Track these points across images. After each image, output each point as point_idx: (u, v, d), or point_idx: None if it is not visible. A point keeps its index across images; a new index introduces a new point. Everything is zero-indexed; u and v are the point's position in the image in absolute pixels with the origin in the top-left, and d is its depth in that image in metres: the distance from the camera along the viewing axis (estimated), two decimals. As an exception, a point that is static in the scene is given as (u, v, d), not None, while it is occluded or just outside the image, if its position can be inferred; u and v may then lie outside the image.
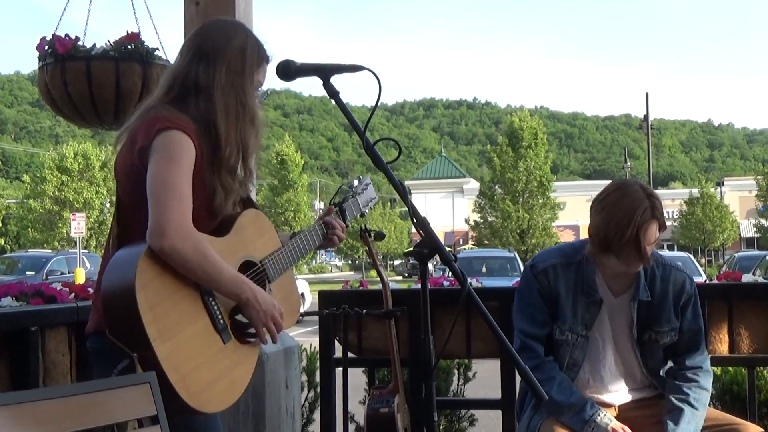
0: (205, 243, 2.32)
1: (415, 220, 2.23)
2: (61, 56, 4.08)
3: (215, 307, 2.39)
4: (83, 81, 4.06)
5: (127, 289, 2.20)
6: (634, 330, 3.14)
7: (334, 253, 72.10)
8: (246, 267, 2.54)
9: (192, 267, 2.28)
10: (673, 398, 3.10)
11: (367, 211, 3.16)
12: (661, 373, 3.27)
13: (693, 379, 3.15)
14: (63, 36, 4.12)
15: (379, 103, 2.33)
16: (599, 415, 3.00)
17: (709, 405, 3.21)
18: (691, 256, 19.34)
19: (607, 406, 3.15)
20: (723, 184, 64.27)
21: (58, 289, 3.74)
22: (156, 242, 2.24)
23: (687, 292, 3.18)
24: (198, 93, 2.49)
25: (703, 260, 51.29)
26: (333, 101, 2.36)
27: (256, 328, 2.45)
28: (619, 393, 3.21)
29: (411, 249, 2.25)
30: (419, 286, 2.31)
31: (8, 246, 47.60)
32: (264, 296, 2.45)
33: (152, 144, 2.35)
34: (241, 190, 2.59)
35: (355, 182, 3.14)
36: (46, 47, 4.15)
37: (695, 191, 57.68)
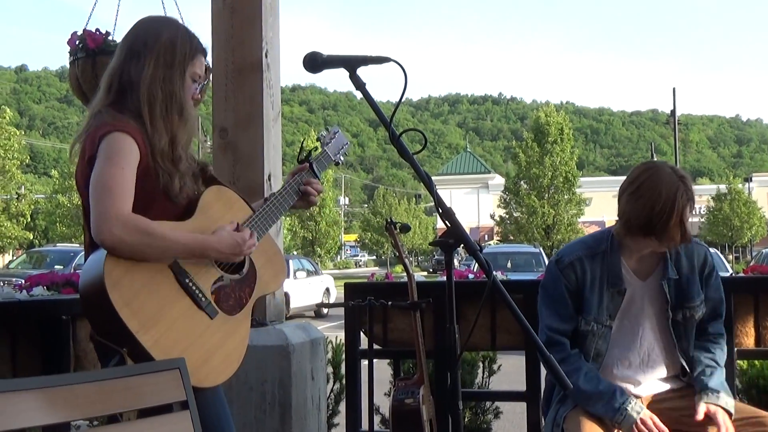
0: (146, 222, 2.37)
1: (440, 210, 2.25)
2: (92, 50, 4.13)
3: (193, 287, 2.45)
4: (113, 75, 4.11)
5: (99, 291, 2.27)
6: (668, 310, 3.15)
7: (359, 248, 72.15)
8: None
9: (141, 248, 2.34)
10: (702, 358, 3.18)
11: (341, 158, 3.17)
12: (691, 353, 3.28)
13: (716, 343, 3.26)
14: (94, 31, 4.17)
15: (404, 97, 2.35)
16: (630, 403, 3.00)
17: (735, 399, 3.22)
18: (719, 252, 19.18)
19: (636, 397, 3.14)
20: (751, 180, 63.55)
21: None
22: (98, 237, 2.32)
23: (709, 263, 3.25)
24: (131, 90, 2.57)
25: (730, 256, 50.81)
26: (359, 93, 2.37)
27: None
28: (648, 383, 3.20)
29: (437, 239, 2.27)
30: (444, 278, 2.32)
31: (37, 241, 48.00)
32: (222, 239, 2.51)
33: (98, 151, 2.44)
34: (188, 179, 2.62)
35: (324, 133, 3.15)
36: (78, 42, 4.20)
37: (723, 187, 57.10)
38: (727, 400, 3.05)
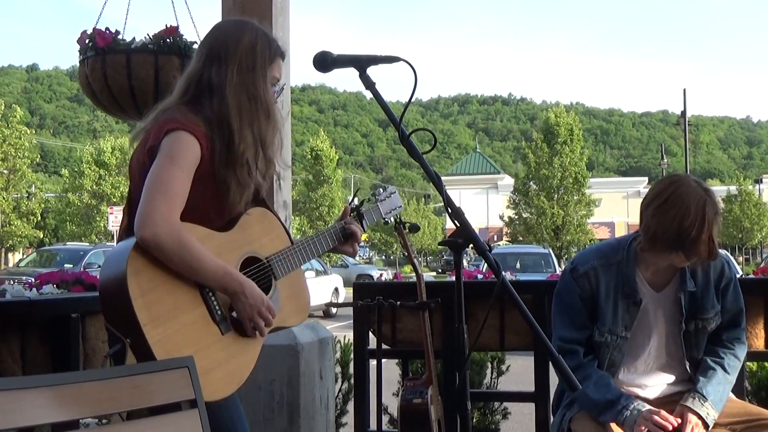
0: (189, 236, 2.36)
1: (450, 210, 2.24)
2: (101, 49, 4.14)
3: (212, 299, 2.43)
4: (123, 74, 4.13)
5: (119, 275, 2.27)
6: (682, 323, 3.12)
7: (368, 248, 72.16)
8: (251, 262, 2.57)
9: (170, 257, 2.33)
10: (708, 359, 3.13)
11: (391, 219, 3.21)
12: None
13: (729, 347, 3.19)
14: (104, 30, 4.19)
15: (414, 96, 2.34)
16: (632, 404, 2.99)
17: (745, 400, 3.19)
18: (729, 254, 19.15)
19: (644, 400, 3.13)
20: (761, 182, 63.26)
21: (97, 277, 3.80)
22: (138, 231, 2.32)
23: (726, 276, 3.20)
24: (212, 94, 2.55)
25: (740, 258, 50.66)
26: (369, 92, 2.37)
27: (242, 320, 2.47)
28: (654, 387, 3.19)
29: (446, 239, 2.27)
30: (453, 278, 2.31)
31: (47, 239, 48.16)
32: (252, 290, 2.46)
33: (160, 144, 2.44)
34: (265, 183, 2.64)
35: (380, 190, 3.18)
36: (87, 41, 4.22)
37: (733, 188, 56.94)
38: (709, 411, 2.99)
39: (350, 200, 3.05)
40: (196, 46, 4.24)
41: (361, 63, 2.35)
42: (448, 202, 2.24)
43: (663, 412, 2.97)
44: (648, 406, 3.00)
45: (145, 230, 2.30)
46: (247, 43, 2.60)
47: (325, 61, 2.40)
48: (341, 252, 2.97)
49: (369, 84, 2.34)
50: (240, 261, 2.54)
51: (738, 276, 3.47)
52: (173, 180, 2.38)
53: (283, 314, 2.64)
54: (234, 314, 2.48)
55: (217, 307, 2.44)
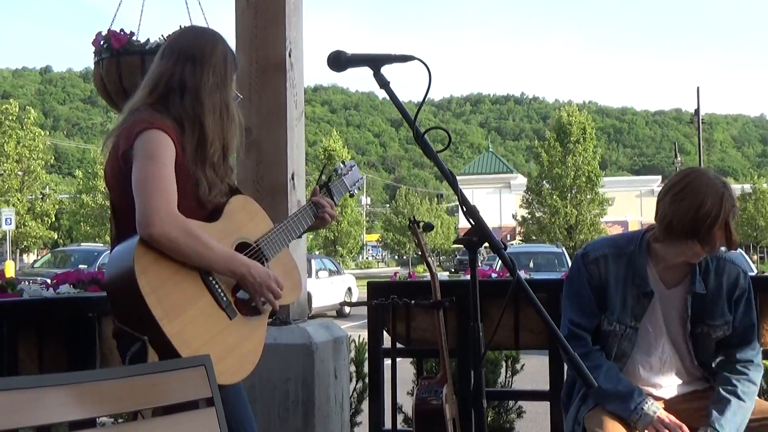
0: (193, 225, 2.43)
1: (464, 209, 2.24)
2: (116, 51, 4.17)
3: (216, 286, 2.50)
4: (138, 75, 4.14)
5: (128, 276, 2.31)
6: (687, 323, 3.10)
7: (381, 248, 72.13)
8: (241, 248, 2.65)
9: (183, 249, 2.39)
10: (721, 389, 3.06)
11: (356, 191, 3.32)
12: (713, 366, 3.24)
13: (743, 372, 3.11)
14: (118, 31, 4.21)
15: (428, 94, 2.35)
16: (646, 403, 2.99)
17: (761, 398, 3.17)
18: (743, 253, 19.03)
19: (656, 399, 3.12)
20: (776, 180, 63.00)
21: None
22: (144, 231, 2.35)
23: (741, 286, 3.13)
24: (183, 92, 2.62)
25: (755, 257, 50.42)
26: (383, 92, 2.38)
27: (254, 299, 2.59)
28: (668, 387, 3.18)
29: (461, 237, 2.27)
30: (468, 277, 2.32)
31: (61, 240, 48.44)
32: (257, 268, 2.57)
33: (134, 146, 2.48)
34: (222, 185, 2.70)
35: (340, 165, 3.27)
36: (102, 42, 4.24)
37: (747, 187, 56.68)
38: None
39: (318, 177, 3.18)
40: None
41: (376, 62, 2.35)
42: (462, 200, 2.24)
43: (677, 421, 2.97)
44: (660, 410, 3.00)
45: (153, 228, 2.34)
46: (221, 51, 2.71)
47: (339, 61, 2.41)
48: (317, 227, 3.06)
49: (383, 83, 2.35)
50: (233, 248, 2.61)
51: (752, 274, 3.42)
52: (161, 176, 2.43)
53: None
54: (239, 296, 2.57)
55: (222, 294, 2.50)
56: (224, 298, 2.50)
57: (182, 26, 3.13)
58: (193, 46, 2.68)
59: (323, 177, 3.18)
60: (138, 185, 2.42)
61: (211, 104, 2.62)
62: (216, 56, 2.67)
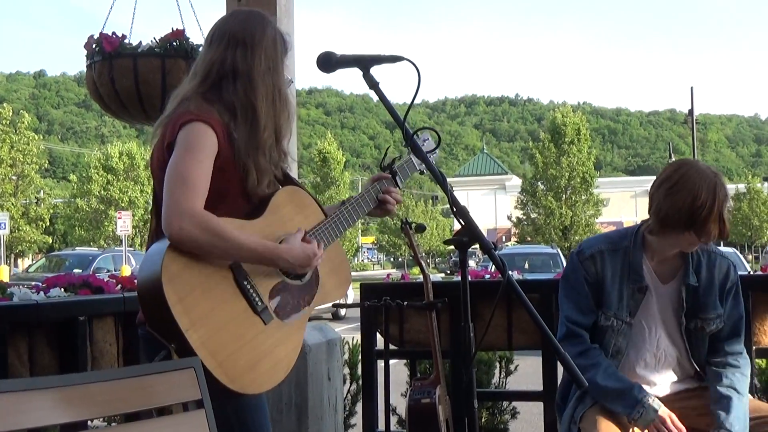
0: (218, 222, 2.34)
1: (454, 209, 2.24)
2: (108, 54, 4.16)
3: (251, 290, 2.41)
4: (130, 78, 4.14)
5: (155, 284, 2.26)
6: (682, 317, 3.13)
7: (376, 251, 72.14)
8: None
9: (206, 248, 2.32)
10: (718, 387, 3.09)
11: (425, 169, 2.83)
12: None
13: (735, 365, 3.15)
14: (110, 34, 4.20)
15: (418, 96, 2.34)
16: (649, 398, 2.99)
17: (754, 397, 3.19)
18: (738, 252, 19.08)
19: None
20: (770, 180, 63.12)
21: (105, 280, 3.82)
22: (167, 230, 2.31)
23: (731, 279, 3.19)
24: (236, 78, 2.55)
25: (749, 256, 50.48)
26: (373, 92, 2.38)
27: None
28: (662, 384, 3.19)
29: (451, 237, 2.27)
30: (460, 278, 2.32)
31: (56, 244, 48.30)
32: (293, 250, 2.48)
33: (176, 138, 2.43)
34: (276, 171, 2.63)
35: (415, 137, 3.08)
36: (94, 45, 4.23)
37: (742, 186, 56.78)
38: None
39: (381, 159, 2.95)
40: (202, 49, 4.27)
41: (365, 63, 2.36)
42: (452, 201, 2.25)
43: (677, 422, 2.98)
44: (662, 407, 3.00)
45: (172, 227, 2.29)
46: (270, 34, 2.62)
47: (328, 62, 2.41)
48: (376, 215, 2.93)
49: (372, 84, 2.35)
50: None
51: (745, 273, 3.44)
52: (190, 170, 2.37)
53: (324, 291, 2.65)
54: (276, 302, 2.47)
55: (257, 299, 2.42)
56: (259, 302, 2.42)
57: (231, 10, 2.92)
58: (242, 30, 2.60)
59: (387, 155, 2.94)
60: (167, 180, 2.38)
61: (264, 89, 2.55)
62: (266, 40, 2.59)
